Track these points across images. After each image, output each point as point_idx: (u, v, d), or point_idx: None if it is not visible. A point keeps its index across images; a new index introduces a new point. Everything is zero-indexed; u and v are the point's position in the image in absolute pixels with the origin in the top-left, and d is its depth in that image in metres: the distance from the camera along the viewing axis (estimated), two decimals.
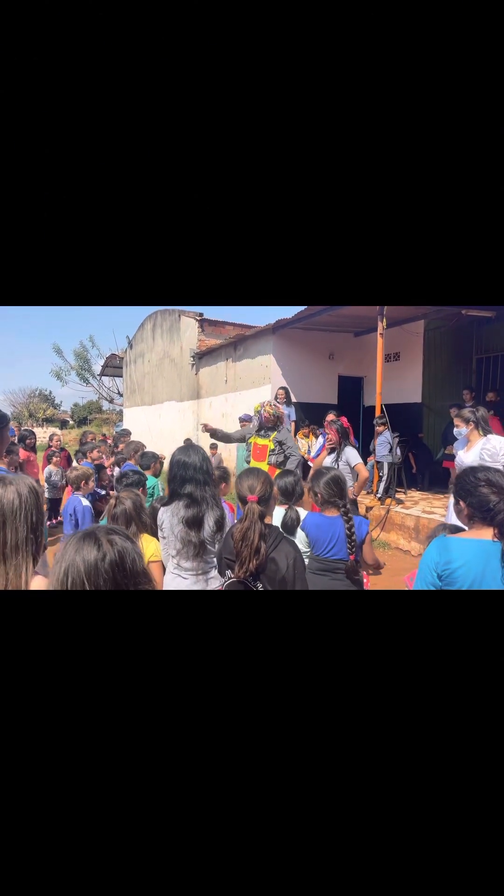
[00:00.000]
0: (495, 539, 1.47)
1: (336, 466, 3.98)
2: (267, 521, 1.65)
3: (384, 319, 5.45)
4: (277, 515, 2.29)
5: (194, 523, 1.83)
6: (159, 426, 12.12)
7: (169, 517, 1.88)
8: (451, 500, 3.80)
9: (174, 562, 1.91)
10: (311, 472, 4.17)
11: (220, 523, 1.90)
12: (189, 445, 2.01)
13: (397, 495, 5.83)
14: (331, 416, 4.57)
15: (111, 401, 21.51)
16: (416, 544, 5.11)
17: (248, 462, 4.00)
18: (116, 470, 5.30)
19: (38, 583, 1.05)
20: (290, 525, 2.28)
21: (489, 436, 3.54)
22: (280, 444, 3.94)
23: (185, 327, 10.75)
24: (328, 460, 4.06)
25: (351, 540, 2.12)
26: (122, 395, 19.56)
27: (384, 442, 5.69)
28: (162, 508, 1.95)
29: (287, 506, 2.33)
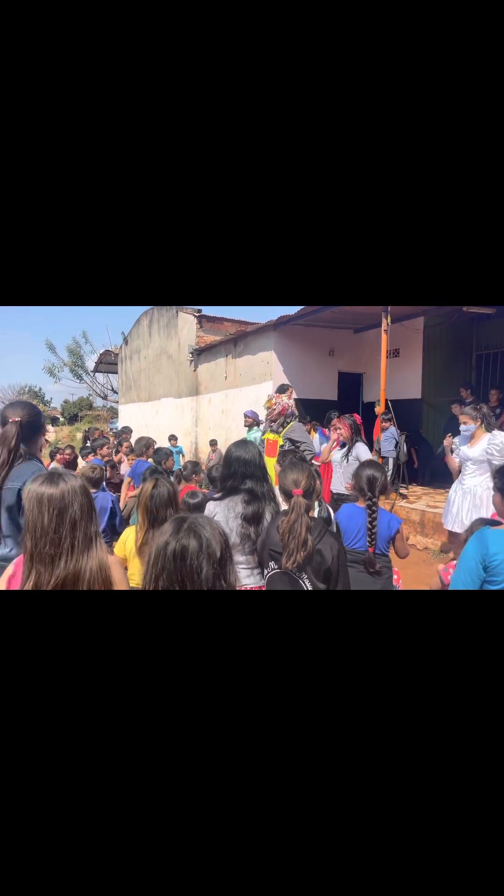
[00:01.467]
0: None
1: (346, 461, 4.03)
2: (311, 514, 1.68)
3: (389, 316, 5.50)
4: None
5: (254, 519, 1.86)
6: (156, 422, 12.07)
7: (223, 511, 1.91)
8: (453, 493, 3.88)
9: None
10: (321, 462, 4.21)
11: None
12: (245, 441, 2.04)
13: (400, 490, 5.91)
14: (335, 419, 4.61)
15: (105, 397, 21.37)
16: (422, 538, 5.20)
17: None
18: (123, 466, 5.31)
19: (113, 561, 1.10)
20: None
21: (495, 431, 3.63)
22: (291, 441, 3.95)
23: (182, 324, 10.71)
24: (338, 455, 4.11)
25: (371, 533, 2.17)
26: (116, 392, 19.41)
27: (389, 437, 5.76)
28: (213, 502, 1.97)
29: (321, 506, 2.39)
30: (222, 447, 8.77)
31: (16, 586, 1.07)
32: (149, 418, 12.54)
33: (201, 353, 10.14)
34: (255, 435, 6.46)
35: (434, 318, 7.07)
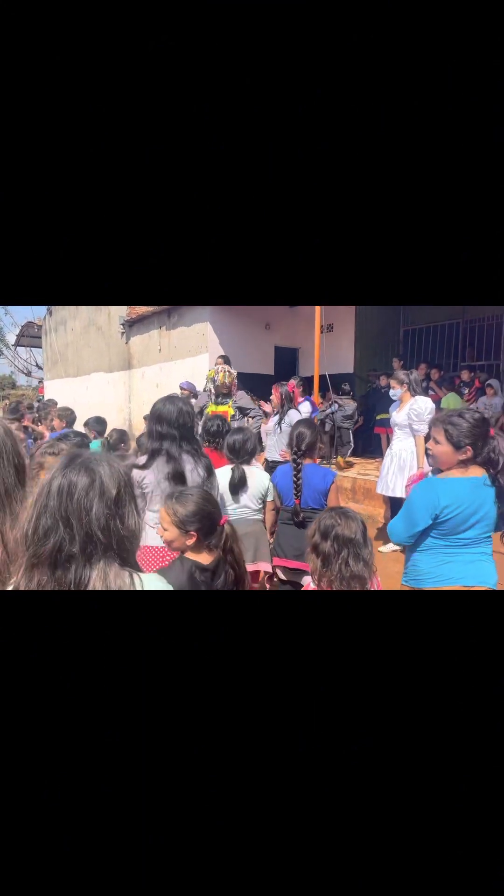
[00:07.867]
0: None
1: (280, 430, 4.08)
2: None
3: None
4: (224, 474, 2.32)
5: (176, 477, 1.81)
6: (86, 399, 11.49)
7: (152, 477, 1.85)
8: (386, 459, 4.08)
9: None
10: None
11: (209, 469, 1.91)
12: (170, 396, 1.97)
13: (348, 459, 6.14)
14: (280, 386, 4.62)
15: (29, 374, 19.95)
16: (353, 504, 5.42)
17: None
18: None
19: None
20: (238, 483, 2.34)
21: (416, 397, 3.81)
22: (241, 409, 3.93)
23: None
24: (272, 422, 4.15)
25: (296, 486, 2.22)
26: (40, 368, 18.13)
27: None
28: (137, 471, 1.90)
29: (234, 464, 2.37)
30: None
31: None
32: (78, 395, 11.90)
33: (133, 325, 9.72)
34: None
35: None
